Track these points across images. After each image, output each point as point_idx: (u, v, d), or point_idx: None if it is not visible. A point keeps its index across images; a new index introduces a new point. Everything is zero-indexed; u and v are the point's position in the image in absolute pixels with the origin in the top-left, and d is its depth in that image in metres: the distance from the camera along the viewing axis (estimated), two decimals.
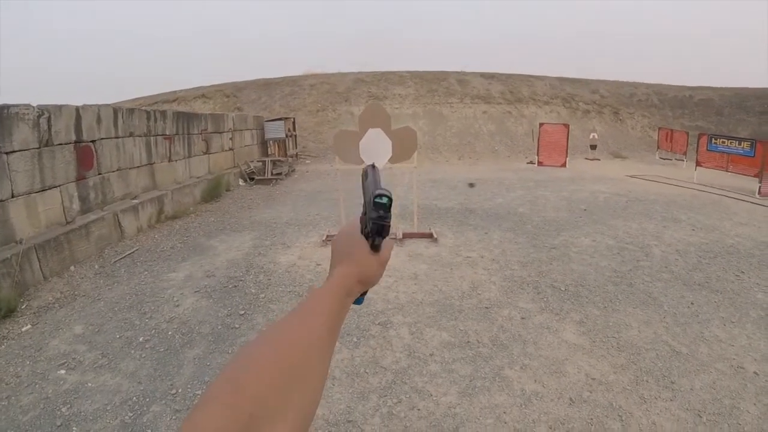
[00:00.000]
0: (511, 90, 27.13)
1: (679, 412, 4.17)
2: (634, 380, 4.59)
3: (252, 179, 14.50)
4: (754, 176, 13.60)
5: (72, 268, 6.66)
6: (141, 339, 5.04)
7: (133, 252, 7.48)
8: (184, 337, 5.09)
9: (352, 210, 9.48)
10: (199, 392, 4.23)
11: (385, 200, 0.92)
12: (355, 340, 5.11)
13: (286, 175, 15.78)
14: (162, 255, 7.49)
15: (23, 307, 5.68)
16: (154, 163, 9.79)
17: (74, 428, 3.84)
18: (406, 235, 8.41)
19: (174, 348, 4.90)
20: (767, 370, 4.67)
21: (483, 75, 28.18)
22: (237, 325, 5.33)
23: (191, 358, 4.75)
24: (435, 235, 8.45)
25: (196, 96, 26.00)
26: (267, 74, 28.68)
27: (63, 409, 3.98)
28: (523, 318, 5.66)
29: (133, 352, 4.82)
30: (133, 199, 8.75)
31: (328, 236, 8.29)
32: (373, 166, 1.13)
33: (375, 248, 0.94)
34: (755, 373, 4.65)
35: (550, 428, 4.00)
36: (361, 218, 1.04)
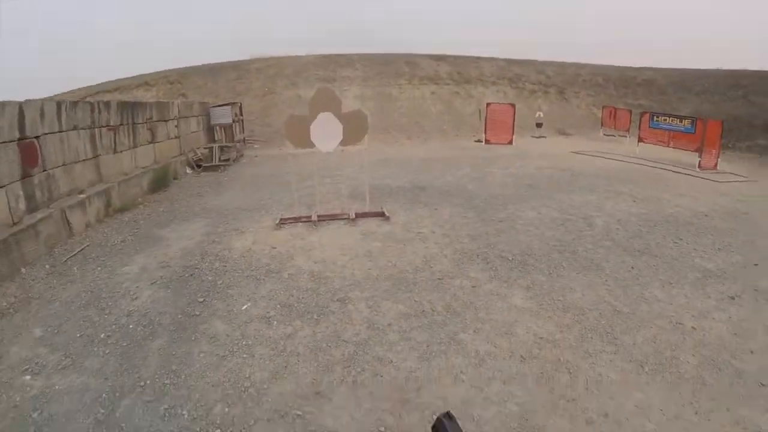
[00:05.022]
0: (459, 71, 27.45)
1: (623, 364, 4.53)
2: (579, 337, 4.92)
3: (199, 166, 14.24)
4: (694, 151, 14.24)
5: (23, 270, 6.39)
6: (102, 335, 4.99)
7: (83, 248, 7.29)
8: (146, 330, 5.09)
9: (304, 194, 9.55)
10: (168, 382, 4.29)
11: None
12: (315, 317, 5.26)
13: (234, 160, 15.56)
14: (114, 249, 7.35)
15: None
16: (100, 155, 9.46)
17: None
18: (359, 215, 8.55)
19: (137, 341, 4.89)
20: (704, 326, 5.08)
21: (431, 57, 28.39)
22: (197, 313, 5.37)
23: (155, 349, 4.77)
24: (387, 214, 8.64)
25: (139, 84, 25.20)
26: (213, 59, 27.98)
27: (34, 416, 3.94)
28: (474, 287, 5.94)
29: (96, 349, 4.78)
30: (79, 193, 8.41)
31: (281, 220, 8.35)
32: (449, 415, 1.05)
33: None
34: (693, 328, 5.06)
35: (504, 383, 4.28)
36: None
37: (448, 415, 1.02)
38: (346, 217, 8.51)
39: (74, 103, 8.74)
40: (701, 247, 7.11)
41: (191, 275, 6.32)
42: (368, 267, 6.48)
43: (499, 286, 5.95)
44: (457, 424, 1.01)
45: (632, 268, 6.45)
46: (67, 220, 7.67)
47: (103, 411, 3.98)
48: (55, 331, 5.10)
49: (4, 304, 5.58)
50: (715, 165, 13.94)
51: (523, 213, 8.94)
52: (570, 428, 3.83)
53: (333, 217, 8.52)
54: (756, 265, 6.44)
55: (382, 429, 3.82)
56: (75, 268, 6.60)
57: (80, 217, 8.03)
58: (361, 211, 8.73)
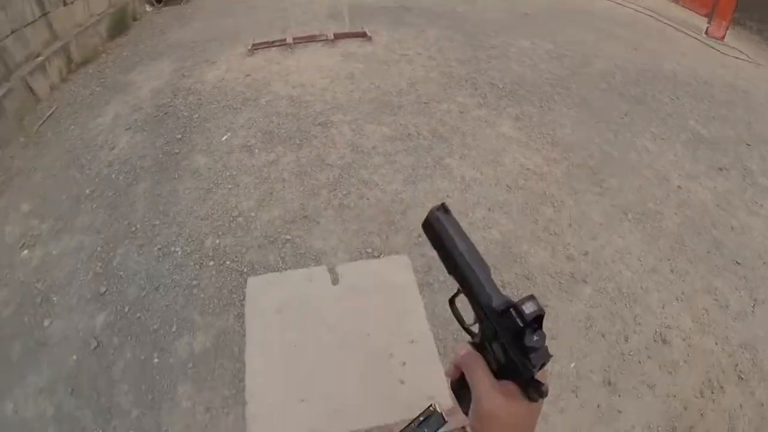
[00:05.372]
0: None
1: (607, 208, 4.55)
2: (566, 174, 4.88)
3: (160, 2, 12.73)
4: (704, 15, 13.32)
5: None
6: (87, 191, 4.81)
7: (52, 112, 6.69)
8: (128, 176, 4.90)
9: (277, 17, 8.72)
10: (158, 222, 4.25)
11: (534, 308, 0.70)
12: (297, 142, 5.07)
13: None
14: (83, 104, 6.78)
15: None
16: (49, 12, 8.31)
17: (54, 298, 3.82)
18: (338, 36, 7.92)
19: (121, 189, 4.74)
20: (690, 188, 5.04)
21: None
22: (177, 150, 5.14)
23: (141, 193, 4.64)
24: (369, 34, 8.02)
25: None
26: None
27: (39, 286, 3.93)
28: (461, 112, 5.73)
29: (83, 206, 4.64)
30: (36, 57, 7.63)
31: (253, 45, 7.68)
32: (444, 208, 0.85)
33: (533, 390, 0.69)
34: (679, 186, 5.02)
35: (489, 210, 4.28)
36: (475, 346, 0.80)
37: (443, 208, 0.85)
38: (324, 38, 7.87)
39: None
40: (697, 111, 6.83)
41: (166, 114, 5.94)
42: (350, 89, 6.14)
43: (487, 114, 5.74)
44: (453, 217, 0.84)
45: (626, 114, 6.23)
46: (30, 88, 6.98)
47: (100, 264, 4.00)
48: (42, 200, 4.90)
49: None
50: (723, 36, 13.01)
51: (517, 42, 8.39)
52: (550, 261, 3.93)
53: (310, 39, 7.85)
54: (749, 145, 6.27)
55: (369, 250, 3.84)
56: (49, 134, 6.16)
57: (43, 81, 7.30)
58: (341, 32, 8.07)
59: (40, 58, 7.48)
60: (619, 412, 3.07)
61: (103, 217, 4.48)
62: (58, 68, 7.81)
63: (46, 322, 3.69)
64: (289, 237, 3.96)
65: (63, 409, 3.29)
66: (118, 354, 3.40)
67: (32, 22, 7.71)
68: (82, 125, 6.13)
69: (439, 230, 0.84)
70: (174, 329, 3.48)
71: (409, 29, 8.57)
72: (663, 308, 3.72)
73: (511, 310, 0.70)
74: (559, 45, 8.44)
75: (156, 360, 3.34)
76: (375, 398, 3.11)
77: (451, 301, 0.88)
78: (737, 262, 4.26)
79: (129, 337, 3.48)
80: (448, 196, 4.34)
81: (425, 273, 3.74)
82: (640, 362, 3.36)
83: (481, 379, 0.72)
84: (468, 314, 0.84)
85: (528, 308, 0.69)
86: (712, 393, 3.26)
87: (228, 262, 3.83)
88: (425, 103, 5.86)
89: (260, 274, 3.74)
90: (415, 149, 4.95)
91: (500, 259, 3.89)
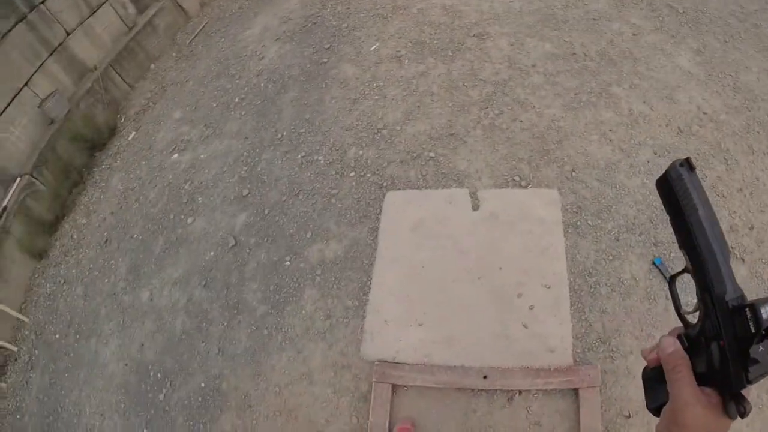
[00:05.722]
0: None
1: None
2: (745, 127, 4.11)
3: None
4: None
5: (152, 66, 6.27)
6: (237, 100, 4.90)
7: (203, 27, 6.83)
8: (276, 85, 4.90)
9: None
10: (303, 131, 4.24)
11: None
12: (450, 54, 4.72)
13: None
14: (232, 18, 6.80)
15: (122, 120, 5.52)
16: None
17: (199, 199, 4.00)
18: None
19: (269, 97, 4.77)
20: None
21: None
22: (325, 60, 5.02)
23: (288, 101, 4.63)
24: None
25: None
26: None
27: (186, 186, 4.13)
28: (634, 35, 4.99)
29: (232, 113, 4.74)
30: None
31: None
32: (688, 164, 0.70)
33: (737, 407, 0.61)
34: None
35: (655, 154, 3.77)
36: (679, 335, 0.70)
37: (687, 164, 0.69)
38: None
39: None
40: None
41: (314, 24, 5.78)
42: None
43: (664, 40, 4.95)
44: (698, 178, 0.69)
45: None
46: (180, 6, 7.14)
47: (245, 168, 4.10)
48: (193, 108, 5.09)
49: (143, 101, 5.58)
50: None
51: None
52: (725, 228, 3.37)
53: None
54: None
55: (516, 178, 3.56)
56: (200, 47, 6.32)
57: None
58: None
59: None
60: None
61: (250, 123, 4.56)
62: None
63: (189, 220, 3.90)
64: (432, 154, 3.75)
65: (194, 300, 3.49)
66: (253, 253, 3.50)
67: None
68: (232, 38, 6.21)
69: (678, 191, 0.71)
70: (309, 235, 3.50)
71: None
72: None
73: (746, 309, 0.60)
74: None
75: (288, 263, 3.40)
76: (493, 338, 2.95)
77: (672, 279, 0.79)
78: None
79: (265, 239, 3.56)
80: (611, 130, 3.85)
81: (574, 213, 3.39)
82: None
83: (685, 386, 0.65)
84: (689, 299, 0.72)
85: (767, 312, 0.57)
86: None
87: (369, 175, 3.75)
88: (594, 19, 5.15)
89: (400, 189, 3.62)
90: (579, 71, 4.41)
91: (659, 214, 3.42)
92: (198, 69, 5.77)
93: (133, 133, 5.28)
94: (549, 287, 3.09)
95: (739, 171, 3.77)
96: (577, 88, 4.23)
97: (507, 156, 3.68)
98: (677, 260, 3.18)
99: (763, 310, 0.58)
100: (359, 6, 5.89)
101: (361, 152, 3.89)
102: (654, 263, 3.16)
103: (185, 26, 7.10)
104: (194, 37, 6.68)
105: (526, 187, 3.54)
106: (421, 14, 5.43)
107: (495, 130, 3.86)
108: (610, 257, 3.21)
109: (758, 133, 4.11)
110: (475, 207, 3.45)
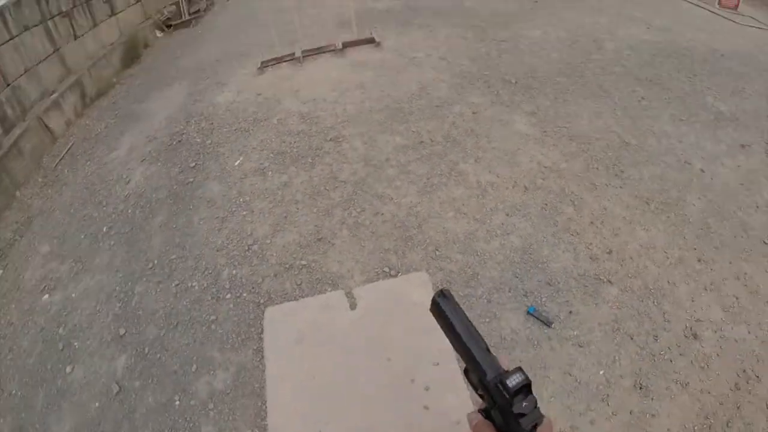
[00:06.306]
0: None
1: (629, 200, 4.36)
2: (585, 168, 4.69)
3: (169, 26, 12.81)
4: None
5: (17, 193, 6.00)
6: (105, 229, 4.82)
7: (69, 149, 6.76)
8: (144, 210, 4.88)
9: (285, 30, 8.64)
10: (174, 257, 4.22)
11: (519, 379, 0.84)
12: (310, 160, 4.99)
13: (205, 10, 13.97)
14: (99, 138, 6.82)
15: None
16: (60, 47, 8.39)
17: (75, 343, 3.83)
18: (347, 45, 7.84)
19: (138, 224, 4.73)
20: (713, 170, 4.80)
21: None
22: (191, 179, 5.10)
23: (157, 227, 4.62)
24: (377, 39, 7.91)
25: None
26: None
27: (60, 331, 3.94)
28: (474, 113, 5.57)
29: (101, 245, 4.64)
30: (51, 94, 7.67)
31: (263, 62, 7.62)
32: (443, 294, 0.99)
33: None
34: (701, 170, 4.79)
35: (507, 215, 4.13)
36: (479, 410, 0.94)
37: (442, 294, 1.00)
38: (333, 48, 7.79)
39: (17, 3, 7.53)
40: (715, 87, 6.49)
41: (179, 142, 5.90)
42: (361, 100, 6.02)
43: (501, 111, 5.58)
44: (452, 300, 0.99)
45: (642, 98, 5.96)
46: (46, 126, 7.03)
47: (119, 304, 3.99)
48: (61, 241, 4.93)
49: (9, 234, 5.32)
50: (737, 5, 12.68)
51: (528, 32, 8.16)
52: (573, 264, 3.78)
53: (319, 51, 7.76)
54: None
55: (386, 269, 3.74)
56: (66, 171, 6.20)
57: (58, 118, 7.34)
58: (349, 40, 7.98)
59: (55, 95, 7.52)
60: (653, 416, 2.95)
61: (121, 255, 4.46)
62: (72, 104, 7.86)
63: (68, 369, 3.69)
64: (304, 262, 3.88)
65: None
66: (139, 398, 3.37)
67: (45, 58, 7.76)
68: (98, 160, 6.15)
69: (442, 314, 0.97)
70: (194, 368, 3.43)
71: (418, 31, 8.43)
72: (692, 301, 3.58)
73: (499, 384, 0.84)
74: (570, 31, 8.17)
75: (177, 402, 3.30)
76: (399, 428, 3.00)
77: (465, 372, 0.99)
78: (765, 242, 4.07)
79: (150, 380, 3.45)
80: (464, 204, 4.21)
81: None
82: (671, 361, 3.22)
83: None
84: None
85: (512, 381, 0.83)
86: (748, 383, 3.13)
87: (245, 294, 3.77)
88: (437, 106, 5.70)
89: (277, 303, 3.67)
90: (428, 157, 4.81)
91: (521, 267, 3.75)
92: (64, 196, 5.63)
93: (0, 271, 5.02)
94: (438, 364, 3.21)
95: (587, 207, 4.26)
96: (428, 172, 4.60)
97: (374, 250, 3.88)
98: (549, 302, 3.51)
99: (508, 381, 0.82)
100: (222, 121, 6.09)
101: (234, 272, 3.91)
102: (528, 312, 3.41)
103: (52, 148, 6.92)
104: (60, 160, 6.50)
105: (396, 275, 3.73)
106: (281, 124, 5.71)
107: (359, 228, 4.07)
108: (487, 319, 3.43)
109: (597, 169, 4.69)
110: (353, 306, 3.57)
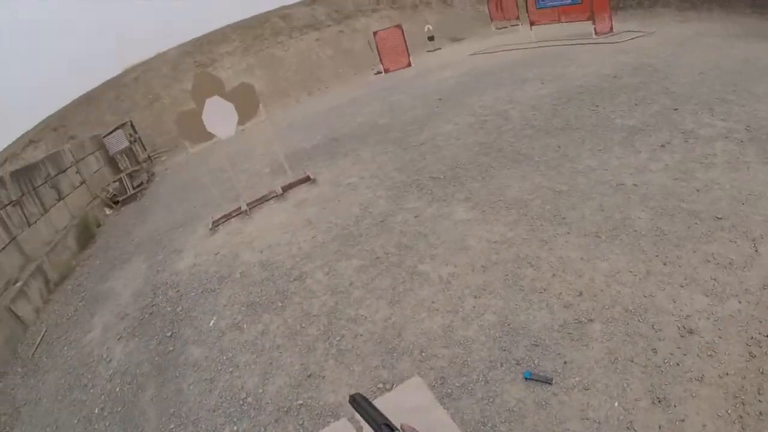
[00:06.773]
0: (337, 9, 26.62)
1: (579, 240, 4.70)
2: (529, 229, 5.06)
3: (117, 203, 13.36)
4: (587, 20, 14.19)
5: None
6: (97, 411, 4.81)
7: (43, 335, 6.82)
8: (132, 386, 4.91)
9: (226, 188, 9.16)
10: (173, 426, 4.21)
11: None
12: (280, 304, 5.19)
13: (147, 182, 14.69)
14: (70, 322, 6.90)
15: None
16: (16, 236, 8.74)
17: None
18: (286, 188, 8.36)
19: (129, 401, 4.74)
20: (644, 179, 5.30)
21: (303, 3, 27.33)
22: (171, 348, 5.21)
23: (149, 400, 4.64)
24: (312, 177, 8.47)
25: (25, 145, 22.78)
26: (86, 87, 25.60)
27: None
28: (416, 216, 5.99)
29: (97, 427, 4.62)
30: (15, 283, 7.88)
31: (213, 223, 8.03)
32: (352, 398, 1.20)
33: None
34: (634, 185, 5.27)
35: (476, 297, 4.36)
36: None
37: (352, 397, 1.18)
38: (274, 194, 8.31)
39: None
40: (618, 107, 7.23)
41: (151, 314, 6.05)
42: (312, 235, 6.38)
43: (439, 208, 6.00)
44: (361, 405, 1.17)
45: (559, 147, 6.57)
46: (16, 315, 7.13)
47: None
48: (54, 428, 4.87)
49: None
50: (611, 28, 14.00)
51: (441, 128, 8.93)
52: (551, 318, 3.94)
53: (262, 200, 8.28)
54: (676, 109, 6.64)
55: (380, 385, 3.85)
56: (44, 358, 6.22)
57: (26, 306, 7.44)
58: (287, 183, 8.52)
59: (19, 284, 7.57)
60: (682, 420, 2.94)
61: None
62: (38, 290, 7.89)
63: None
64: (301, 401, 3.95)
65: None
66: None
67: (2, 248, 7.88)
68: (75, 344, 6.17)
69: (357, 408, 1.18)
70: None
71: (345, 158, 9.08)
72: (674, 302, 3.71)
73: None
74: (477, 114, 8.95)
75: None
76: None
77: None
78: (717, 218, 4.39)
79: None
80: (433, 302, 4.44)
81: (441, 385, 3.72)
82: (678, 364, 3.26)
83: None
84: None
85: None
86: (761, 347, 3.20)
87: None
88: (382, 221, 6.10)
89: None
90: (388, 269, 5.10)
91: (505, 340, 3.89)
92: (48, 384, 5.55)
93: None
94: None
95: (545, 263, 4.52)
96: (391, 284, 4.86)
97: (364, 371, 4.01)
98: (542, 362, 3.59)
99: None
100: (188, 286, 6.29)
101: (235, 428, 3.92)
102: (526, 378, 3.50)
103: (24, 337, 6.89)
104: (36, 348, 6.46)
105: (391, 388, 3.83)
106: (244, 277, 5.95)
107: (344, 354, 4.22)
108: (491, 400, 3.50)
109: (541, 225, 5.05)
110: (359, 430, 3.64)
